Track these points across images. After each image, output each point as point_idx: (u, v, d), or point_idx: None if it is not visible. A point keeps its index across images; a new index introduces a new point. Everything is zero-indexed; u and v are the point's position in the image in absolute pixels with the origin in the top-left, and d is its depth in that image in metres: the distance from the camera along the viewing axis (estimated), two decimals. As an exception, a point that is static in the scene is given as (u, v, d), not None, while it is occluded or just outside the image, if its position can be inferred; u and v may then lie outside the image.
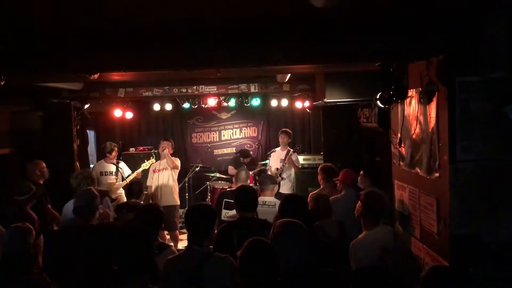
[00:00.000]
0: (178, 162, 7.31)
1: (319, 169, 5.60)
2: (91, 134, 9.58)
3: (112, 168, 7.41)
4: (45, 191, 5.59)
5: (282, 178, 7.67)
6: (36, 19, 2.89)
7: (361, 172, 5.00)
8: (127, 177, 7.28)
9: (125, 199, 6.57)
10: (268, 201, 4.87)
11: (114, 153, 7.47)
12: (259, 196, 4.93)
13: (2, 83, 3.63)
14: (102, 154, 7.80)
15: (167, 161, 7.11)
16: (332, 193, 5.01)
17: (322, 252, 3.18)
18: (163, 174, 7.20)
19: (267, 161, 8.58)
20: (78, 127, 7.73)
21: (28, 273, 2.85)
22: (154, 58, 3.39)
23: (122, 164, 7.70)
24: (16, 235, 3.20)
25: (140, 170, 7.36)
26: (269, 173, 7.95)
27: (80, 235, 2.99)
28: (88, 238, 2.91)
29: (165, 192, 7.15)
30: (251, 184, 8.07)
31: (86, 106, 7.74)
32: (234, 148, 10.82)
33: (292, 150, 7.74)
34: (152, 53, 3.38)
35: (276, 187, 5.37)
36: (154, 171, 7.31)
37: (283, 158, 7.79)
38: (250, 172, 8.40)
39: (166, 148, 7.14)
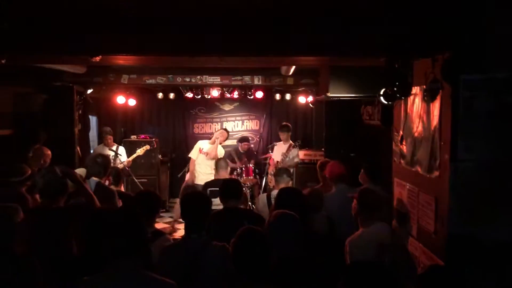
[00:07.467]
0: (221, 152, 7.54)
1: (317, 166, 5.52)
2: (93, 119, 9.56)
3: (111, 153, 7.73)
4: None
5: None
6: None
7: (362, 169, 4.94)
8: (121, 162, 7.62)
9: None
10: None
11: (106, 140, 7.96)
12: (273, 189, 4.90)
13: (2, 62, 3.60)
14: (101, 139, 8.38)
15: (211, 148, 7.45)
16: (329, 190, 4.93)
17: (315, 244, 3.16)
18: (204, 157, 7.51)
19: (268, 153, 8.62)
20: (80, 111, 7.73)
21: (13, 257, 2.75)
22: (156, 42, 3.35)
23: (121, 149, 8.09)
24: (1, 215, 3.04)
25: (134, 156, 7.97)
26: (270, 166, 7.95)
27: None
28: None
29: (201, 172, 7.45)
30: (250, 177, 8.17)
31: (89, 91, 7.76)
32: (236, 141, 10.79)
33: (294, 143, 7.73)
34: (154, 37, 3.35)
35: (291, 181, 5.34)
36: (200, 151, 7.63)
37: (285, 151, 7.76)
38: (250, 165, 8.40)
39: (219, 137, 7.51)
